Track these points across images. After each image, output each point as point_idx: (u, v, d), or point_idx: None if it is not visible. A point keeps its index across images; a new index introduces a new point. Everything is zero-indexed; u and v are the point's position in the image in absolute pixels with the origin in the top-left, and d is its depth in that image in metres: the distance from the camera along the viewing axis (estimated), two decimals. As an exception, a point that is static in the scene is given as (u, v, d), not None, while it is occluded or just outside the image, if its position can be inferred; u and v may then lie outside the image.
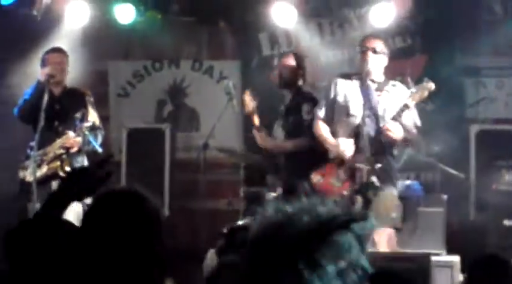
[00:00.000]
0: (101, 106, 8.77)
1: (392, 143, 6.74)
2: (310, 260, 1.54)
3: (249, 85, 9.52)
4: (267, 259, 1.58)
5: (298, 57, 7.38)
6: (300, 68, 7.28)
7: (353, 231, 1.59)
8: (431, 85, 6.56)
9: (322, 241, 1.56)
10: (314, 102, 7.06)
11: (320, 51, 9.72)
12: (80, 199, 2.85)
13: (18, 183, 7.40)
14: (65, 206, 2.77)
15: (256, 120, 7.25)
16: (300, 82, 7.26)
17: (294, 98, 7.24)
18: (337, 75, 7.10)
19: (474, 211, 8.58)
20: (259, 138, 7.18)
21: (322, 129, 6.91)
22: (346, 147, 6.63)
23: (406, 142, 6.89)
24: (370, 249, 6.82)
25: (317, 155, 7.00)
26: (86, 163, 7.36)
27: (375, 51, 6.70)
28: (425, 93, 6.60)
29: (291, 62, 7.31)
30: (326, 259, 1.55)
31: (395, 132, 6.54)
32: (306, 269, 1.53)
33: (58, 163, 7.18)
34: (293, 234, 1.58)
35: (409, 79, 6.92)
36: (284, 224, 1.60)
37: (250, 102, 7.26)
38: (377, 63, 6.73)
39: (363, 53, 6.72)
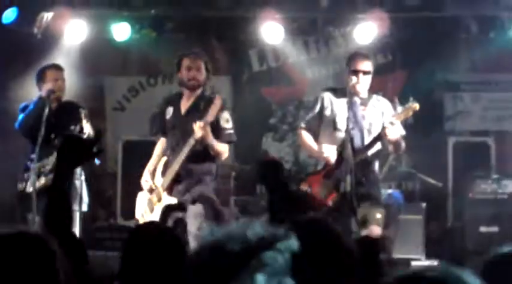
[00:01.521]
0: (98, 119, 8.96)
1: (380, 156, 6.88)
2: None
3: (239, 99, 9.91)
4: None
5: (207, 62, 7.02)
6: (208, 72, 6.95)
7: (278, 250, 1.72)
8: (416, 106, 6.61)
9: (250, 262, 1.70)
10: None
11: (306, 67, 10.09)
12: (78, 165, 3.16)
13: (16, 194, 7.37)
14: (71, 174, 3.09)
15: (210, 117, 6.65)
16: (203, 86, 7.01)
17: (198, 100, 6.87)
18: (324, 89, 7.14)
19: (452, 219, 8.91)
20: (205, 128, 6.54)
21: (306, 138, 6.96)
22: (329, 153, 6.73)
23: (396, 150, 6.89)
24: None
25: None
26: (82, 174, 7.31)
27: (365, 73, 6.76)
28: (410, 113, 6.66)
29: (202, 65, 6.92)
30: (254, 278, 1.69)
31: (393, 133, 6.52)
32: None
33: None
34: (223, 263, 1.70)
35: (396, 100, 6.80)
36: (214, 253, 1.73)
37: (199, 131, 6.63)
38: (366, 82, 6.80)
39: (354, 74, 6.74)
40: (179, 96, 7.02)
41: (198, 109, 6.73)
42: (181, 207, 6.74)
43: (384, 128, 6.55)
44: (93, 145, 3.13)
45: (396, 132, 6.54)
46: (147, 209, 6.90)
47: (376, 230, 6.55)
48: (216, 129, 6.66)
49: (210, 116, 6.56)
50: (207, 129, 6.53)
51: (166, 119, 6.94)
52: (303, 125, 6.99)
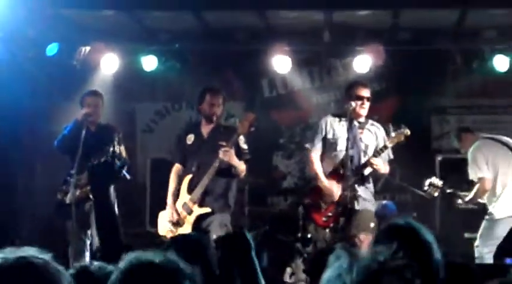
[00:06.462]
0: (130, 140, 9.53)
1: (374, 174, 7.37)
2: None
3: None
4: None
5: (224, 98, 7.72)
6: (224, 105, 7.78)
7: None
8: (408, 132, 7.17)
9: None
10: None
11: (311, 93, 10.74)
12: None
13: (55, 204, 7.75)
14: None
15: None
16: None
17: (218, 127, 7.65)
18: (327, 115, 7.64)
19: (439, 226, 9.47)
20: (229, 152, 7.33)
21: (317, 165, 7.41)
22: (334, 190, 7.26)
23: (383, 174, 7.53)
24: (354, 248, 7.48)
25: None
26: (114, 193, 7.81)
27: (368, 99, 7.34)
28: (402, 138, 7.22)
29: (221, 101, 7.63)
30: None
31: (379, 165, 7.20)
32: None
33: (89, 187, 7.67)
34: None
35: (390, 126, 7.33)
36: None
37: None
38: (367, 107, 7.36)
39: (358, 99, 7.23)
40: (198, 124, 7.80)
41: (220, 133, 7.55)
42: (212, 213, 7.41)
43: (369, 158, 7.19)
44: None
45: (380, 162, 7.15)
46: (175, 224, 7.47)
47: (367, 237, 7.04)
48: (237, 150, 7.48)
49: (243, 127, 7.38)
50: (231, 152, 7.35)
51: (188, 144, 7.67)
52: (310, 147, 7.45)
